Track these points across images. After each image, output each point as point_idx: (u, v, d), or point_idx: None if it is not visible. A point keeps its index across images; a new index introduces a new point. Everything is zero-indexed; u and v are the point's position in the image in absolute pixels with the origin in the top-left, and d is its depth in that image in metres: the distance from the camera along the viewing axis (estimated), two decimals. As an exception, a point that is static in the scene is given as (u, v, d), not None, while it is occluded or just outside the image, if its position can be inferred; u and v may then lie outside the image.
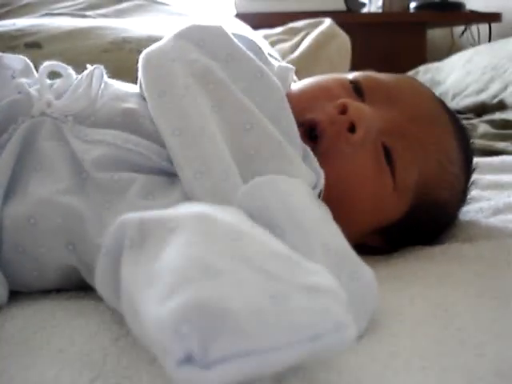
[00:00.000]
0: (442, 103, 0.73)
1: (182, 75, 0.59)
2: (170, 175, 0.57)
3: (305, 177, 0.56)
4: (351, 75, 0.70)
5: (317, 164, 0.59)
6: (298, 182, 0.54)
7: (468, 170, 0.73)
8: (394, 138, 0.64)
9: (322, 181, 0.57)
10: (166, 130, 0.56)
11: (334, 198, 0.58)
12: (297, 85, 0.70)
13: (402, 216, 0.66)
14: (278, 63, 0.69)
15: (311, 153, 0.59)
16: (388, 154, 0.64)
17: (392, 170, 0.64)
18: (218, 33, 0.64)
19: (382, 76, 0.70)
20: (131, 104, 0.62)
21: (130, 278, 0.39)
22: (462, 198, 0.74)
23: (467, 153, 0.73)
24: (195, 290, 0.33)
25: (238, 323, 0.31)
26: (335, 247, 0.48)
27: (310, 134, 0.62)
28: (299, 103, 0.63)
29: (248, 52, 0.63)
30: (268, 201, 0.49)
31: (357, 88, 0.67)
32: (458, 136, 0.71)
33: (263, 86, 0.61)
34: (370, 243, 0.67)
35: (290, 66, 0.69)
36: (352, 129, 0.62)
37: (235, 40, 0.64)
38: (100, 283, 0.45)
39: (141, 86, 0.63)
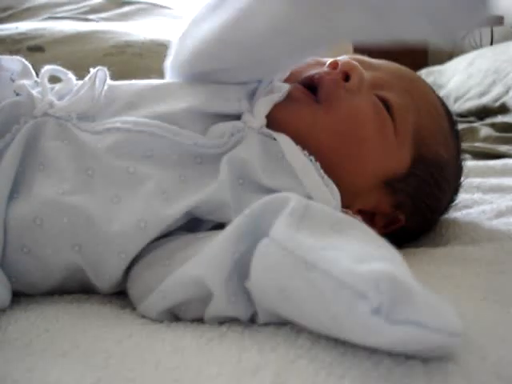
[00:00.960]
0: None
1: None
2: (181, 169, 0.58)
3: None
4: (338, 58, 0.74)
5: None
6: None
7: (456, 136, 0.76)
8: (385, 90, 0.68)
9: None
10: None
11: (342, 142, 0.63)
12: None
13: (405, 171, 0.67)
14: None
15: None
16: (384, 102, 0.67)
17: (391, 116, 0.66)
18: None
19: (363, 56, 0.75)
20: (135, 109, 0.62)
21: (295, 239, 0.44)
22: (458, 170, 0.76)
23: (451, 118, 0.76)
24: (385, 264, 0.40)
25: (420, 300, 0.38)
26: None
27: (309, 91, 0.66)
28: (292, 73, 0.68)
29: None
30: None
31: None
32: (440, 100, 0.75)
33: None
34: (381, 209, 0.67)
35: None
36: (346, 80, 0.66)
37: None
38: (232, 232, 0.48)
39: None
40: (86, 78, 0.63)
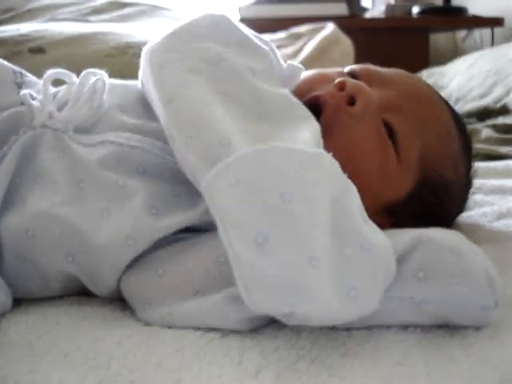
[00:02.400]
0: (430, 86, 0.76)
1: (192, 59, 0.58)
2: (174, 184, 0.57)
3: None
4: (347, 68, 0.72)
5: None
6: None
7: (468, 153, 0.73)
8: (393, 113, 0.65)
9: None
10: (160, 100, 0.55)
11: None
12: None
13: (408, 193, 0.65)
14: (288, 62, 0.69)
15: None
16: (389, 128, 0.65)
17: (394, 144, 0.64)
18: (224, 21, 0.62)
19: (375, 66, 0.72)
20: (130, 117, 0.62)
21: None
22: (466, 186, 0.74)
23: (464, 134, 0.73)
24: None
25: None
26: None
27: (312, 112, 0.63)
28: (301, 88, 0.65)
29: (255, 39, 0.62)
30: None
31: (353, 75, 0.69)
32: (453, 115, 0.72)
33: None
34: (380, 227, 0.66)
35: (301, 66, 0.69)
36: (352, 103, 0.63)
37: (242, 28, 0.63)
38: None
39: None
40: (84, 88, 0.62)
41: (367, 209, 0.62)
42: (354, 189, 0.51)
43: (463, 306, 0.47)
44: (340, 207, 0.48)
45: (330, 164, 0.51)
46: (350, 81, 0.65)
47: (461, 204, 0.75)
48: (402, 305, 0.48)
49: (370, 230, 0.49)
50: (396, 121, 0.65)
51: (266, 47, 0.62)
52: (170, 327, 0.50)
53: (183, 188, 0.56)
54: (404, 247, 0.49)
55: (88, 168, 0.56)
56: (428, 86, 0.74)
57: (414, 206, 0.66)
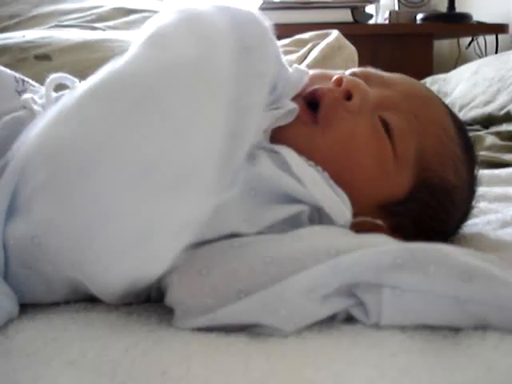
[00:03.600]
0: (431, 90, 0.77)
1: None
2: None
3: None
4: (348, 70, 0.73)
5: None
6: None
7: (472, 160, 0.73)
8: (390, 111, 0.66)
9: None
10: None
11: (336, 164, 0.61)
12: None
13: (407, 193, 0.66)
14: (294, 66, 0.70)
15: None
16: (385, 125, 0.65)
17: (391, 140, 0.65)
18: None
19: (376, 69, 0.74)
20: None
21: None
22: (469, 193, 0.73)
23: (467, 140, 0.73)
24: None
25: None
26: None
27: (311, 107, 0.65)
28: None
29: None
30: None
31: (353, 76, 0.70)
32: (454, 120, 0.72)
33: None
34: (379, 231, 0.62)
35: (306, 69, 0.70)
36: (349, 99, 0.65)
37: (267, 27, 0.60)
38: None
39: None
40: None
41: (365, 205, 0.63)
42: None
43: (504, 308, 0.49)
44: None
45: None
46: (347, 77, 0.67)
47: (465, 211, 0.74)
48: (445, 304, 0.50)
49: None
50: (393, 118, 0.66)
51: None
52: (176, 334, 0.50)
53: None
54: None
55: None
56: (428, 89, 0.75)
57: (414, 208, 0.66)
